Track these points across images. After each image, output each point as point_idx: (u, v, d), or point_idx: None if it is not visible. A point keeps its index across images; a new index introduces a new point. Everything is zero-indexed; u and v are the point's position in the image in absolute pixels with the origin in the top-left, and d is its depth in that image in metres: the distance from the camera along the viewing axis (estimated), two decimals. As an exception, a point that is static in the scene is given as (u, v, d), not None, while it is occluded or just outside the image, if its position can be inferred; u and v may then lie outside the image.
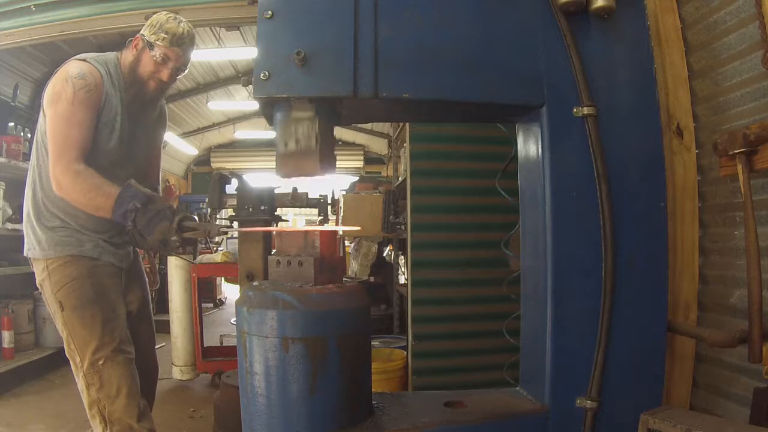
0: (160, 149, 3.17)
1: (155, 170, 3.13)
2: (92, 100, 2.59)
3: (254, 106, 11.19)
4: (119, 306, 2.73)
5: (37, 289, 2.73)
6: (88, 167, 2.51)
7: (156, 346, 3.11)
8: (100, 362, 2.57)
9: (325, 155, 1.91)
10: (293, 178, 2.03)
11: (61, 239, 2.66)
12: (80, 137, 2.54)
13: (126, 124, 2.73)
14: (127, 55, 2.74)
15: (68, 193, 2.52)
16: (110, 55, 2.76)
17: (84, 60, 2.63)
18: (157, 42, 2.65)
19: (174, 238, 2.39)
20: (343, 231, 5.77)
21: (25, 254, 2.78)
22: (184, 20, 2.73)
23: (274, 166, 1.99)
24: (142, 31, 2.70)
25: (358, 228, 6.03)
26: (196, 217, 2.49)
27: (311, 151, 1.88)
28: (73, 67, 2.60)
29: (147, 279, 3.10)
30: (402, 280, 6.00)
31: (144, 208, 2.41)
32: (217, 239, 10.82)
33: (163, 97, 2.96)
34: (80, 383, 2.63)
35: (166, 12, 2.74)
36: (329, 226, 2.68)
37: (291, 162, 1.93)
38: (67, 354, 2.66)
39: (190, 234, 2.40)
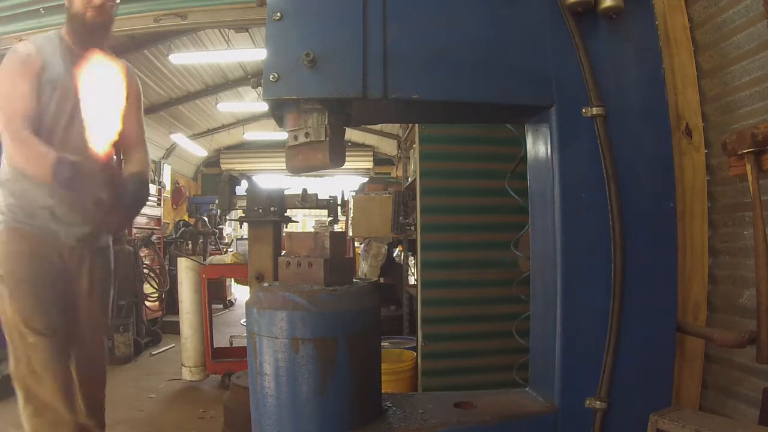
0: (137, 125, 3.04)
1: (136, 153, 3.01)
2: (28, 70, 2.64)
3: (263, 107, 11.22)
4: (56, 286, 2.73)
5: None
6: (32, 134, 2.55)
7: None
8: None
9: (334, 147, 1.91)
10: (302, 175, 2.04)
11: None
12: (23, 107, 2.59)
13: (69, 82, 2.72)
14: (65, 9, 2.79)
15: (15, 160, 2.60)
16: (52, 32, 2.82)
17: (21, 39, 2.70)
18: None
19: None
20: (353, 232, 5.76)
21: None
22: None
23: (285, 165, 1.99)
24: None
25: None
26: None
27: (321, 143, 1.89)
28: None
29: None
30: (412, 280, 6.00)
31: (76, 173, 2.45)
32: (226, 240, 10.87)
33: (108, 32, 2.89)
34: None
35: None
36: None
37: (300, 155, 1.94)
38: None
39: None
